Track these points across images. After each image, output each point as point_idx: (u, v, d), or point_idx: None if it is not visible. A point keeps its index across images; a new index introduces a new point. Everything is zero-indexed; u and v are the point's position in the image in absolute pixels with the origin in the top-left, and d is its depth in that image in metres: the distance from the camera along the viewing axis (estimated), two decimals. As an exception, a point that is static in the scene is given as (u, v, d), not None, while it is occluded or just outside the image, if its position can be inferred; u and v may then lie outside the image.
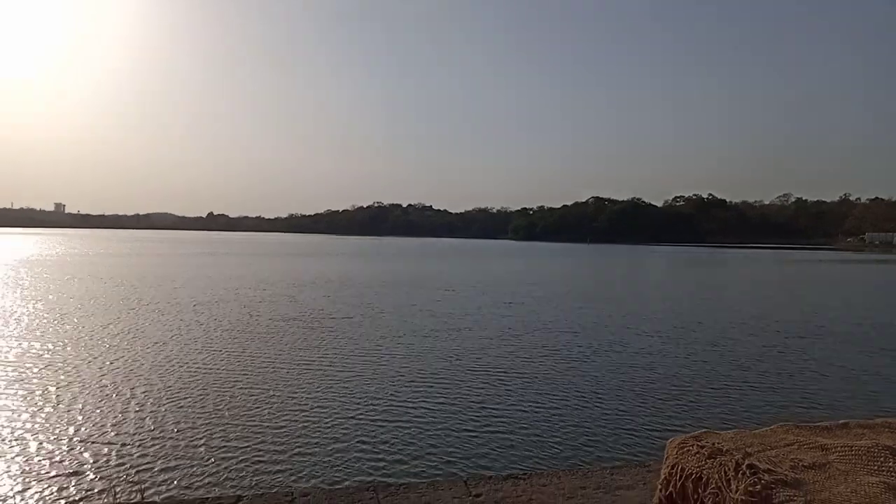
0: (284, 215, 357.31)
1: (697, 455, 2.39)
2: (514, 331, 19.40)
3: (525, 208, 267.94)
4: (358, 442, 9.01)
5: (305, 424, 9.74)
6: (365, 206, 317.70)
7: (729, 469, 2.23)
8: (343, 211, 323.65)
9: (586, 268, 64.14)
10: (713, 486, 2.25)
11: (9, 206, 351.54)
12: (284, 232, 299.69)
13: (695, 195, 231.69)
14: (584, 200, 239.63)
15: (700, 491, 2.31)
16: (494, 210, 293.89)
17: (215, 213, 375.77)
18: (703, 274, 58.50)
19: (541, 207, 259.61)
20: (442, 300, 28.19)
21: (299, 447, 8.74)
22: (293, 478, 7.66)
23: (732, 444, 2.42)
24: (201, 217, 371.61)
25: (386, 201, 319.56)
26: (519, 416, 10.45)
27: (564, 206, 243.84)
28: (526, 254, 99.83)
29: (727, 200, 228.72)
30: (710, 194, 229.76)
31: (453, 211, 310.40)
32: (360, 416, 10.20)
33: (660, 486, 2.59)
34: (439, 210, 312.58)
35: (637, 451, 8.97)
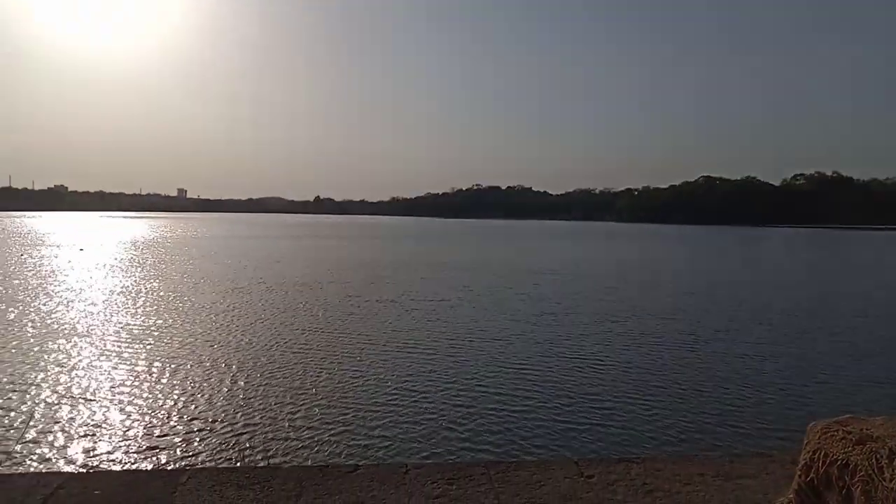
0: (386, 198, 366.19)
1: (844, 441, 2.21)
2: (615, 316, 18.89)
3: (630, 188, 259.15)
4: (467, 420, 9.11)
5: (415, 401, 9.97)
6: (464, 189, 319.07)
7: (881, 456, 2.04)
8: (443, 193, 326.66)
9: (693, 251, 61.36)
10: (862, 473, 2.08)
11: (138, 191, 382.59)
12: (387, 214, 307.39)
13: (816, 172, 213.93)
14: (693, 180, 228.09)
15: (847, 478, 2.13)
16: (597, 191, 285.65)
17: (322, 198, 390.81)
18: (823, 258, 54.32)
19: (646, 188, 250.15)
20: (540, 284, 27.90)
21: (411, 422, 8.97)
22: (406, 451, 7.89)
23: (883, 430, 2.22)
24: (309, 201, 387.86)
25: (485, 183, 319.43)
26: (626, 400, 10.19)
27: (672, 185, 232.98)
28: (630, 236, 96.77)
29: (854, 178, 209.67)
30: (835, 172, 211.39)
31: (554, 192, 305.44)
32: (467, 396, 10.31)
33: (799, 472, 2.42)
34: (539, 192, 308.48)
35: (756, 439, 8.52)
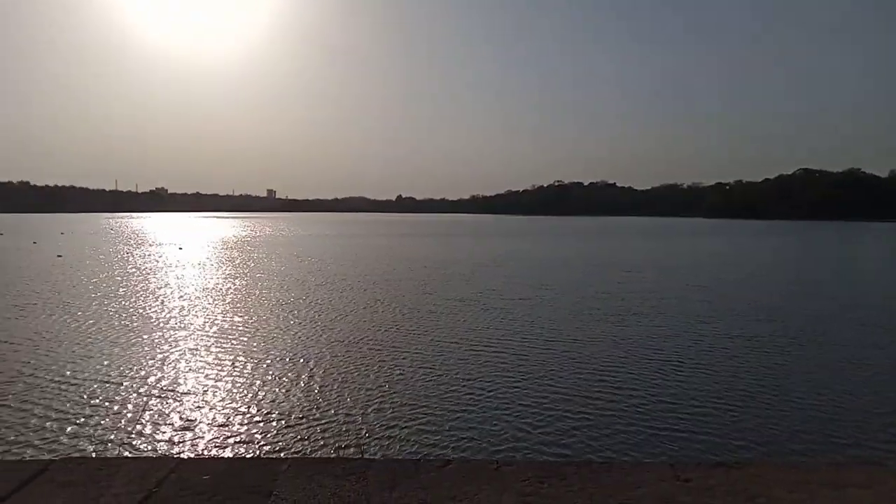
0: (467, 196, 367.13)
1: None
2: (706, 316, 18.19)
3: (720, 183, 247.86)
4: (554, 418, 9.06)
5: (501, 398, 10.02)
6: (545, 186, 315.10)
7: None
8: (523, 191, 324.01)
9: (790, 249, 58.07)
10: None
11: (230, 192, 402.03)
12: (467, 213, 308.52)
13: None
14: (790, 173, 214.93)
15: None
16: (685, 186, 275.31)
17: (403, 196, 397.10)
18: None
19: (738, 182, 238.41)
20: (626, 281, 27.21)
21: (499, 419, 9.02)
22: (495, 448, 7.94)
23: None
24: (391, 200, 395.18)
25: (567, 179, 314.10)
26: (719, 404, 9.82)
27: (766, 179, 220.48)
28: (720, 233, 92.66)
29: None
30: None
31: (639, 188, 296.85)
32: (553, 394, 10.25)
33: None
34: (623, 187, 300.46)
35: (861, 449, 8.02)
